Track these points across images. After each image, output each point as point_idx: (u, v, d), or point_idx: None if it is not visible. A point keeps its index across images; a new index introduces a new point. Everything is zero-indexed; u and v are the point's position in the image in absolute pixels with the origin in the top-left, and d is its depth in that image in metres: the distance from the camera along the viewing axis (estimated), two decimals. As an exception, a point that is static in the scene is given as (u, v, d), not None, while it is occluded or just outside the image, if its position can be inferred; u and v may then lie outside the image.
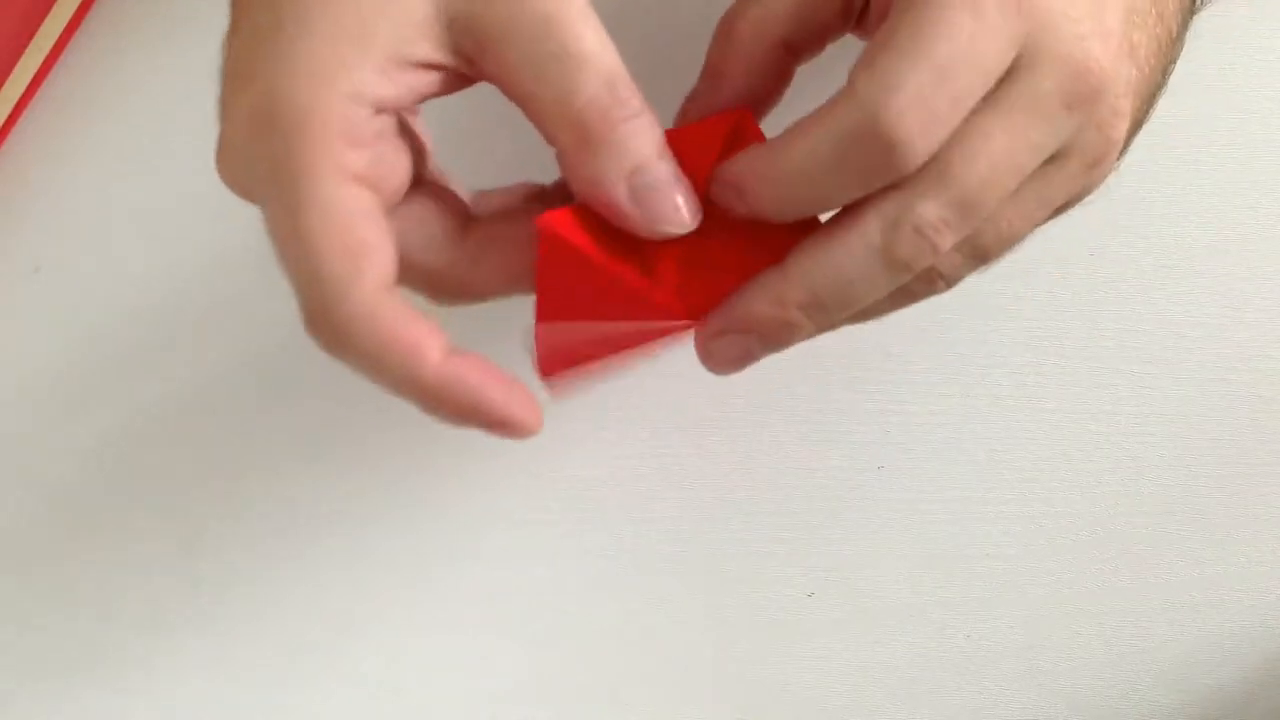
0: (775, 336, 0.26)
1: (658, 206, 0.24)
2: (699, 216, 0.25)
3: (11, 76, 0.44)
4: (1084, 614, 0.47)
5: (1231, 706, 0.47)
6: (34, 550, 0.49)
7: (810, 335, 0.26)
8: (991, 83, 0.23)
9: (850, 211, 0.24)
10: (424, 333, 0.24)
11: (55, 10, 0.44)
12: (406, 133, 0.26)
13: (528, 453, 0.47)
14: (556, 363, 0.29)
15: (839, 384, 0.45)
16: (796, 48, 0.28)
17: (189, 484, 0.48)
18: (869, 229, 0.24)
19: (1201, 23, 0.30)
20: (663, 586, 0.48)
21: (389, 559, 0.49)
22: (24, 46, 0.44)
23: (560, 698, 0.49)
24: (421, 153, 0.27)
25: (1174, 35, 0.28)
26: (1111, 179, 0.27)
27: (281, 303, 0.48)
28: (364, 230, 0.23)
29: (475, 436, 0.47)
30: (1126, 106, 0.25)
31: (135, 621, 0.49)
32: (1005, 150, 0.23)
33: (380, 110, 0.24)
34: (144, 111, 0.45)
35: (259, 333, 0.47)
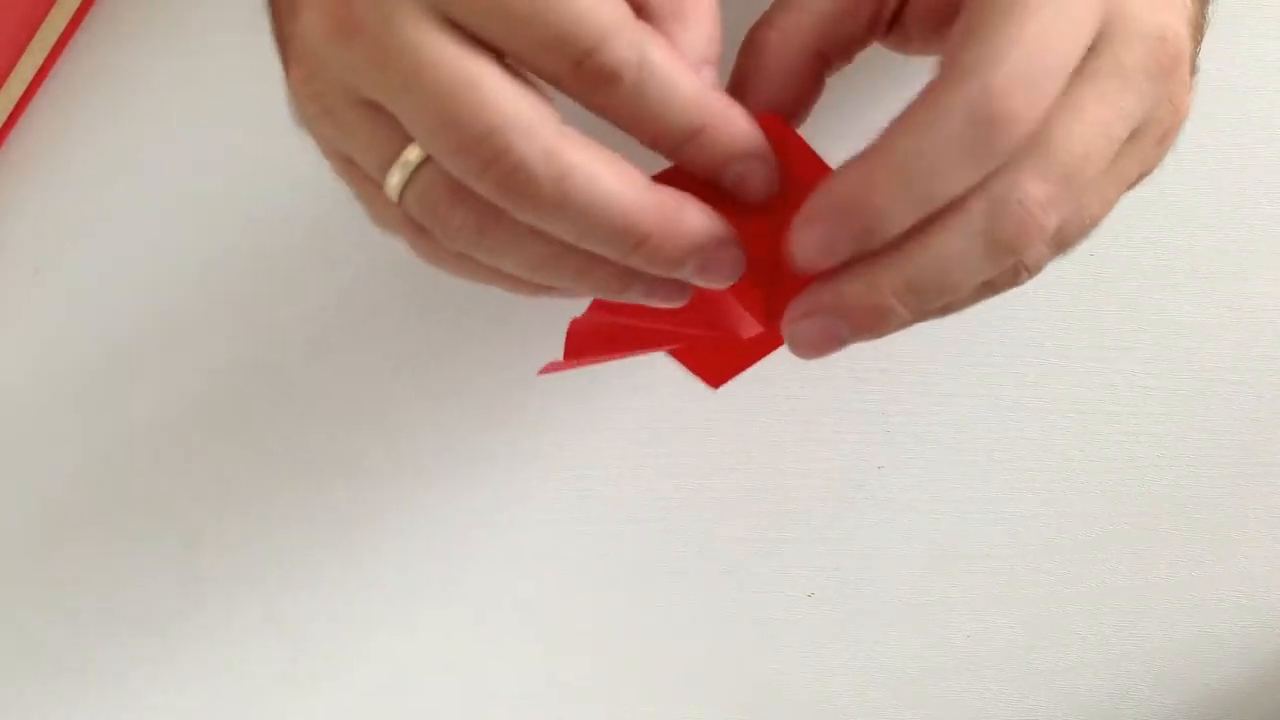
0: (867, 323, 0.24)
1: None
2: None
3: (11, 76, 0.44)
4: (1084, 614, 0.47)
5: (1231, 706, 0.47)
6: (33, 550, 0.49)
7: (903, 325, 0.25)
8: (1082, 54, 0.23)
9: (948, 208, 0.23)
10: (622, 163, 0.23)
11: (55, 10, 0.44)
12: None
13: (526, 453, 0.47)
14: (583, 350, 0.29)
15: (839, 384, 0.45)
16: (827, 57, 0.27)
17: (190, 483, 0.48)
18: (973, 211, 0.23)
19: (1202, 23, 0.30)
20: (663, 586, 0.48)
21: (389, 561, 0.49)
22: (24, 46, 0.44)
23: (559, 697, 0.49)
24: None
25: (1206, 17, 0.28)
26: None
27: (282, 301, 0.48)
28: (507, 80, 0.22)
29: (475, 438, 0.47)
30: (1191, 81, 0.25)
31: (136, 622, 0.49)
32: (1101, 121, 0.23)
33: None
34: (144, 111, 0.45)
35: (260, 332, 0.47)
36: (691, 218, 0.23)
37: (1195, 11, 0.26)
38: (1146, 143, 0.25)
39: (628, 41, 0.22)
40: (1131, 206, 0.43)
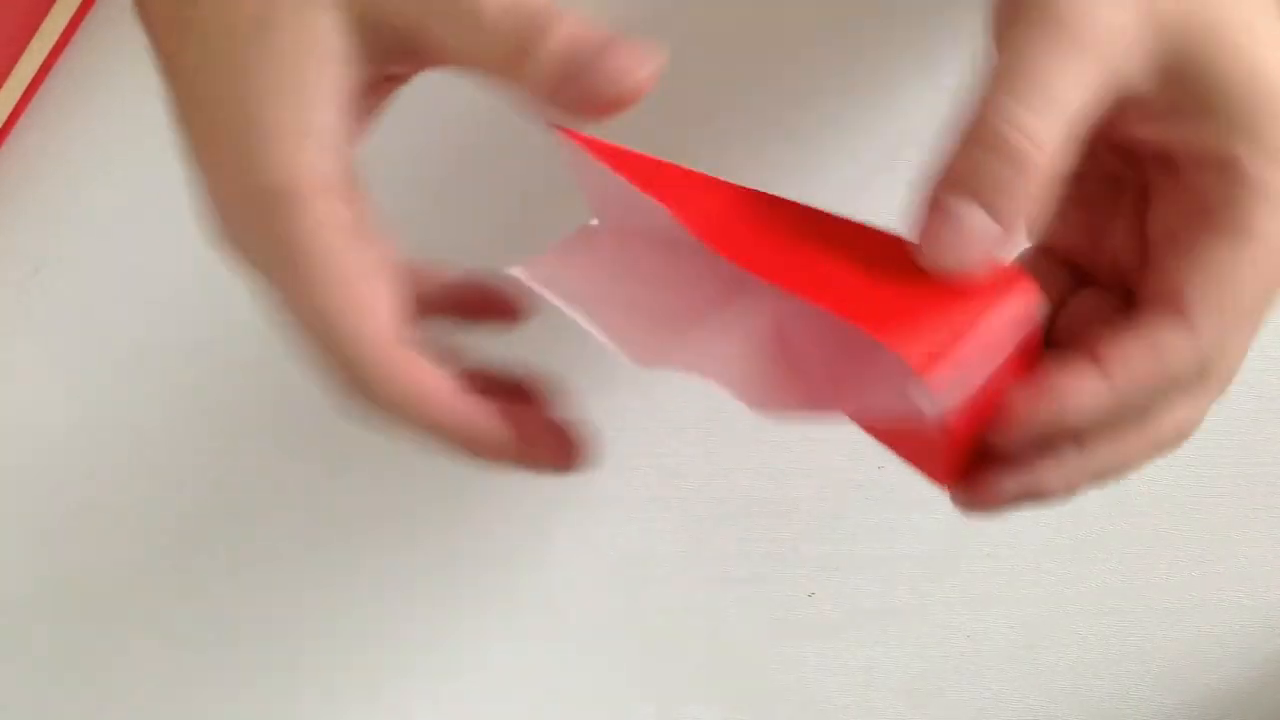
0: (1055, 503, 0.27)
1: (590, 82, 0.23)
2: (647, 66, 0.23)
3: (11, 76, 0.44)
4: (1084, 614, 0.47)
5: (1231, 706, 0.47)
6: (33, 552, 0.49)
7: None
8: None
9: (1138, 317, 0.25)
10: (448, 380, 0.25)
11: (55, 10, 0.44)
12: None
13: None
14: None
15: (839, 384, 0.45)
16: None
17: (190, 485, 0.48)
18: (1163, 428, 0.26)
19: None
20: (663, 586, 0.48)
21: (388, 561, 0.49)
22: (24, 46, 0.44)
23: (559, 697, 0.49)
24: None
25: None
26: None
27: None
28: (370, 284, 0.24)
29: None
30: None
31: (136, 625, 0.49)
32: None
33: (348, 148, 0.24)
34: (144, 111, 0.45)
35: (262, 332, 0.47)
36: (485, 423, 0.25)
37: None
38: None
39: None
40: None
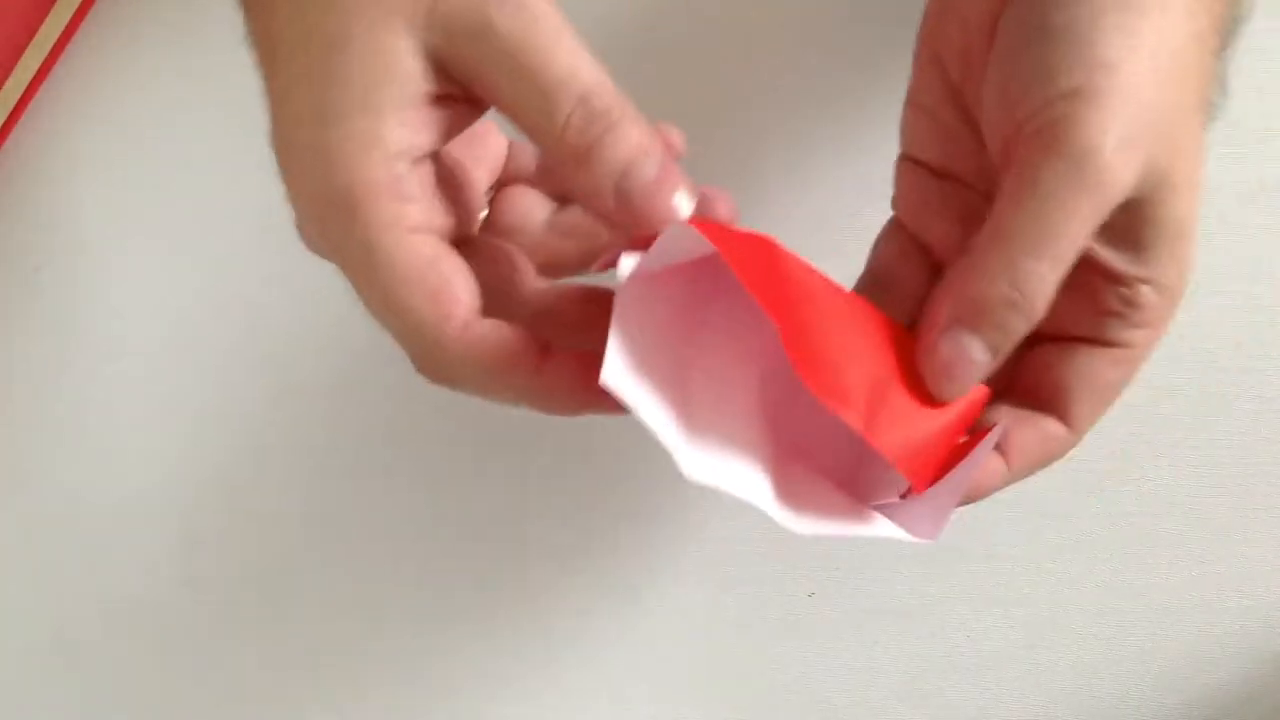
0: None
1: (646, 207, 0.25)
2: (690, 205, 0.26)
3: (11, 76, 0.44)
4: (1084, 614, 0.47)
5: (1231, 706, 0.47)
6: (33, 554, 0.49)
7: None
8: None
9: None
10: (519, 346, 0.26)
11: (55, 10, 0.44)
12: (455, 183, 0.28)
13: (522, 453, 0.47)
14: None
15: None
16: None
17: (191, 483, 0.48)
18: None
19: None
20: (662, 586, 0.48)
21: (387, 562, 0.49)
22: (24, 46, 0.44)
23: (559, 697, 0.49)
24: (469, 208, 0.30)
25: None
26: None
27: (286, 301, 0.48)
28: (438, 274, 0.26)
29: (473, 441, 0.47)
30: None
31: (134, 627, 0.49)
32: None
33: (417, 159, 0.26)
34: (144, 112, 0.45)
35: (263, 331, 0.47)
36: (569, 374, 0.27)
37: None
38: None
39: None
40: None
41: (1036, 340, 0.29)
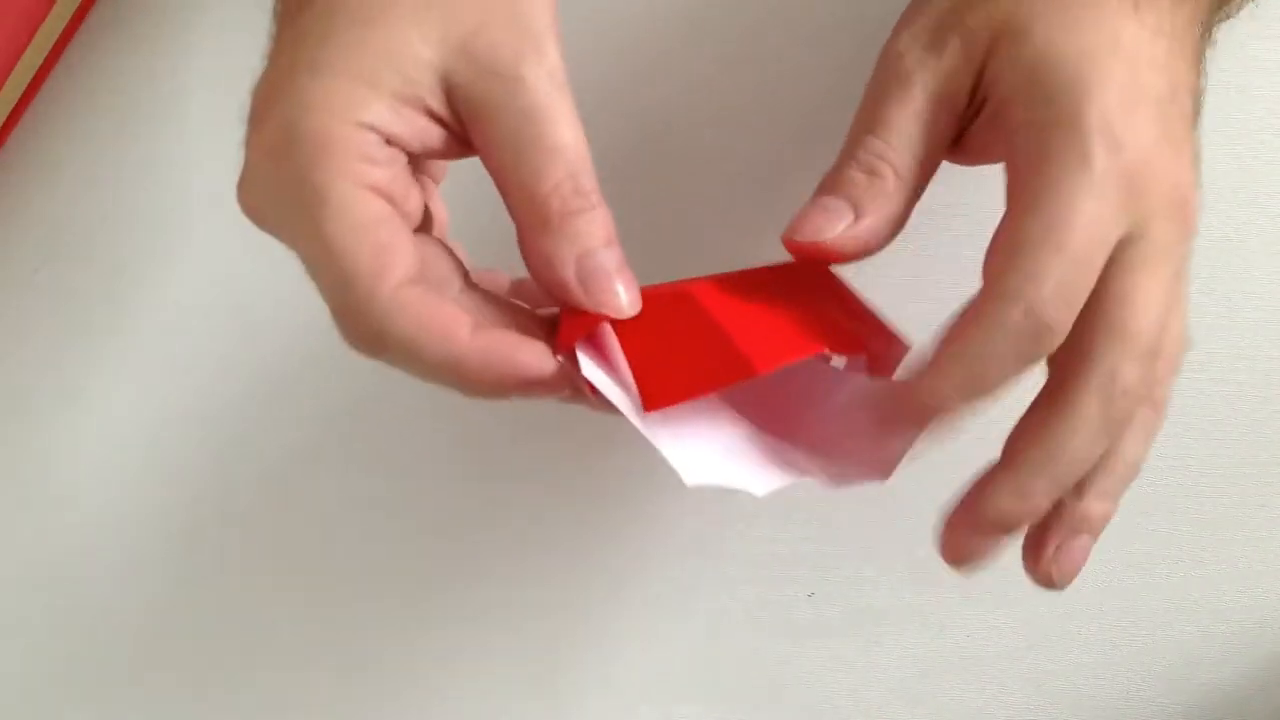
0: (1022, 524, 0.30)
1: (600, 288, 0.26)
2: (637, 305, 0.27)
3: (11, 76, 0.44)
4: (1084, 614, 0.47)
5: (1231, 706, 0.47)
6: (33, 558, 0.49)
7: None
8: (1112, 249, 0.26)
9: (1060, 399, 0.28)
10: (451, 315, 0.26)
11: (55, 10, 0.44)
12: (416, 184, 0.28)
13: (521, 453, 0.47)
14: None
15: (839, 384, 0.45)
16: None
17: (192, 488, 0.48)
18: (1088, 408, 0.27)
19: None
20: (662, 585, 0.48)
21: (388, 563, 0.49)
22: (24, 46, 0.44)
23: (558, 696, 0.49)
24: (430, 217, 0.29)
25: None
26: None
27: (287, 302, 0.48)
28: (386, 231, 0.25)
29: (472, 442, 0.47)
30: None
31: (136, 630, 0.49)
32: (1159, 294, 0.27)
33: (391, 143, 0.26)
34: (144, 112, 0.45)
35: (264, 332, 0.47)
36: (520, 356, 0.26)
37: (1196, 145, 0.29)
38: (1184, 281, 0.29)
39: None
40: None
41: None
